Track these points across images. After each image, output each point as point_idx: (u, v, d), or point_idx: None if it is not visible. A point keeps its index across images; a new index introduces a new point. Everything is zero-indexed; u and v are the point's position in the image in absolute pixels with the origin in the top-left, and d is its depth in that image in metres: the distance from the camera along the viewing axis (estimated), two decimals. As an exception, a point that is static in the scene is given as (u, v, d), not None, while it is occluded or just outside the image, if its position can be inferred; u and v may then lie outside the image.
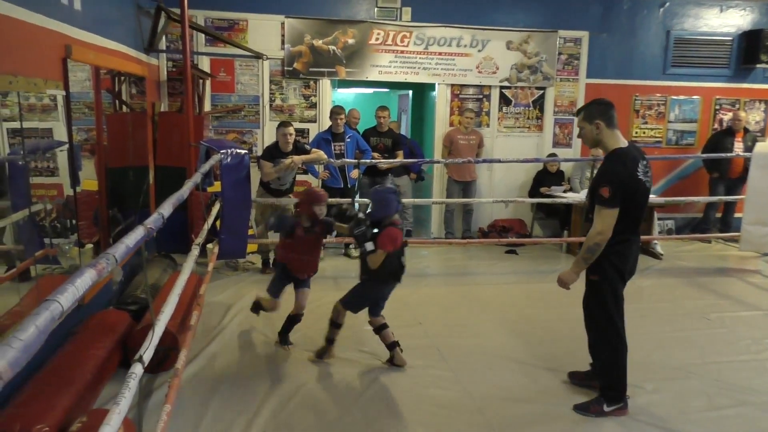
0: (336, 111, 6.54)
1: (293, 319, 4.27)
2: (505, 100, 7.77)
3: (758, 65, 7.97)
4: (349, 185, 6.51)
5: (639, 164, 3.18)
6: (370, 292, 3.93)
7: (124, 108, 5.76)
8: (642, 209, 3.28)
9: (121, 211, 5.23)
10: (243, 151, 5.30)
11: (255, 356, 4.07)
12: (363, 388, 3.64)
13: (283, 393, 3.52)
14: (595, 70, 7.89)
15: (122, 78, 5.58)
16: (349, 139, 6.57)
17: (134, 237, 1.88)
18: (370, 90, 13.01)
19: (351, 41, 7.25)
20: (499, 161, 7.32)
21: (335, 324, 3.97)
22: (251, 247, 6.09)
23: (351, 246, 6.82)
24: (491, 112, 7.76)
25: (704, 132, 8.13)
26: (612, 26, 7.85)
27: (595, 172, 3.60)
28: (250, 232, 5.90)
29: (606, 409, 3.35)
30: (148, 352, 2.18)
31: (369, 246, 3.68)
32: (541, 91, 7.82)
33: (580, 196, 6.90)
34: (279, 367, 3.88)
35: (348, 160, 6.42)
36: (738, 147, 7.46)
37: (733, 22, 8.08)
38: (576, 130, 7.81)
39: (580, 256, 3.27)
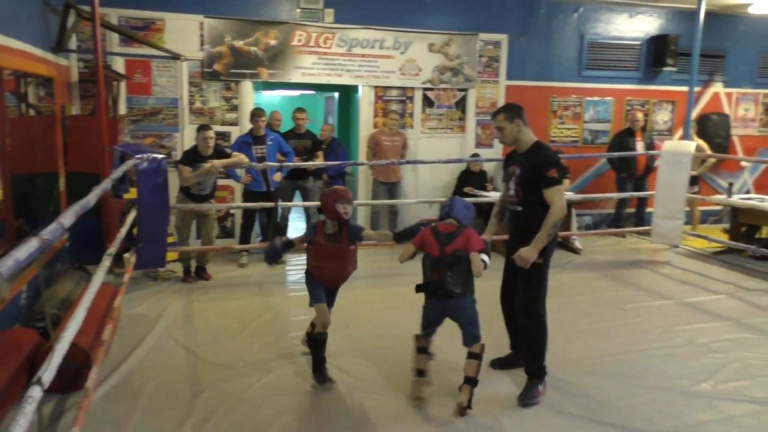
0: (256, 113, 6.41)
1: (318, 342, 3.69)
2: (428, 102, 7.85)
3: (665, 68, 8.41)
4: (271, 189, 6.39)
5: None
6: (425, 308, 3.53)
7: (31, 111, 5.42)
8: None
9: (28, 221, 4.91)
10: (160, 156, 5.10)
11: (175, 371, 3.90)
12: (289, 398, 3.56)
13: (205, 407, 3.39)
14: (515, 72, 8.10)
15: (28, 79, 5.25)
16: (270, 142, 6.45)
17: (26, 249, 1.73)
18: (296, 92, 12.85)
19: (273, 42, 7.12)
20: (423, 162, 7.38)
21: (417, 349, 3.52)
22: (171, 255, 5.87)
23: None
24: (414, 113, 7.82)
25: (617, 131, 8.49)
26: (530, 30, 8.09)
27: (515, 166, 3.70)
28: (169, 239, 5.68)
29: (540, 388, 3.55)
30: (49, 371, 2.03)
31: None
32: (463, 93, 7.95)
33: (499, 195, 7.04)
34: (200, 382, 3.73)
35: (270, 163, 6.30)
36: (639, 146, 7.83)
37: (641, 27, 8.50)
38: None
39: (545, 234, 3.43)
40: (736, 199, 7.29)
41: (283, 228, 6.92)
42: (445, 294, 3.33)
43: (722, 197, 7.64)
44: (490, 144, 8.14)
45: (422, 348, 3.51)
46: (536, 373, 3.56)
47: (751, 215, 7.03)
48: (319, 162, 6.84)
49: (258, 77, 7.19)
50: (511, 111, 3.64)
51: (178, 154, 6.63)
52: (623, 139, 7.97)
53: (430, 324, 3.51)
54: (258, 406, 3.43)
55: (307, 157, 6.91)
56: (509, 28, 7.98)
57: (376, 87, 7.63)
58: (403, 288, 5.81)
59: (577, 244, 7.42)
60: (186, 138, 6.95)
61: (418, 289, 3.42)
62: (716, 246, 7.34)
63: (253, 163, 6.11)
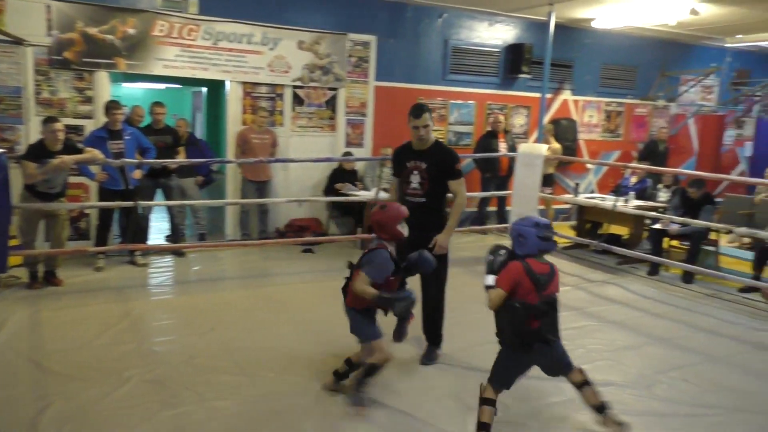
0: (112, 106, 6.00)
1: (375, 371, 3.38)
2: (298, 100, 7.80)
3: (520, 75, 8.99)
4: (130, 187, 6.03)
5: None
6: (507, 359, 3.09)
7: None
8: None
9: None
10: (0, 150, 4.63)
11: (18, 386, 3.56)
12: (147, 408, 3.38)
13: (52, 424, 3.13)
14: (384, 73, 8.27)
15: None
16: (128, 137, 6.07)
17: None
18: (161, 86, 12.23)
19: (132, 31, 6.71)
20: (293, 161, 7.33)
21: (483, 400, 3.06)
22: (15, 259, 5.35)
23: (136, 253, 6.34)
24: (284, 111, 7.74)
25: (479, 134, 8.95)
26: (398, 32, 8.30)
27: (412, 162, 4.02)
28: (12, 242, 5.18)
29: (438, 351, 4.19)
30: None
31: (488, 279, 3.00)
32: (333, 92, 7.99)
33: (371, 194, 7.17)
34: (47, 396, 3.44)
35: (128, 160, 5.94)
36: (502, 147, 8.33)
37: (499, 35, 9.02)
38: (368, 130, 8.20)
39: (454, 222, 3.98)
40: (582, 198, 7.97)
41: (143, 229, 6.56)
42: (545, 343, 2.97)
43: (570, 196, 8.31)
44: (360, 143, 8.25)
45: (492, 400, 3.05)
46: (437, 340, 4.21)
47: (594, 213, 7.71)
48: (180, 159, 6.57)
49: (115, 68, 6.75)
50: (430, 110, 4.02)
51: (22, 149, 6.05)
52: (487, 140, 8.41)
53: (514, 377, 3.11)
54: (113, 419, 3.22)
55: (169, 153, 6.60)
56: (378, 30, 8.13)
57: (244, 83, 7.45)
58: (272, 288, 5.76)
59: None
60: (32, 131, 6.36)
61: (519, 345, 2.97)
62: (565, 241, 7.97)
63: (109, 160, 5.73)
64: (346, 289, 3.49)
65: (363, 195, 7.35)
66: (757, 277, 6.02)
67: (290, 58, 7.59)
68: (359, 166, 8.01)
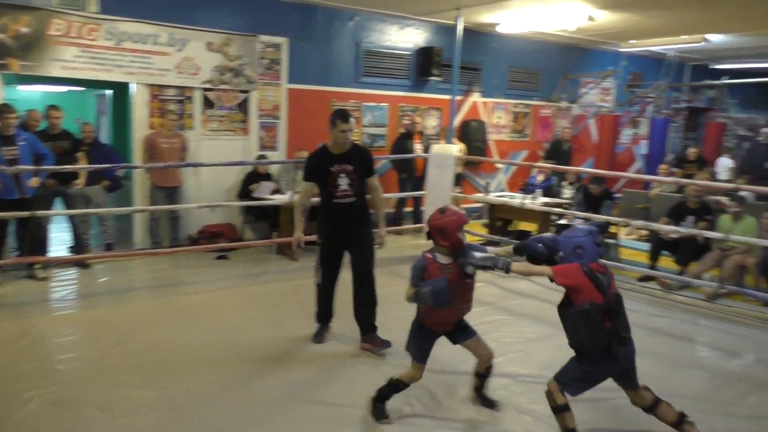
0: (3, 110, 5.60)
1: (483, 375, 3.46)
2: (208, 103, 7.60)
3: (431, 78, 9.19)
4: (26, 195, 5.66)
5: None
6: (584, 369, 2.98)
7: None
8: None
9: None
10: None
11: None
12: (51, 429, 3.19)
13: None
14: (296, 76, 8.21)
15: None
16: (23, 143, 5.68)
17: None
18: (63, 88, 11.56)
19: (25, 30, 6.31)
20: (204, 165, 7.12)
21: (559, 408, 3.00)
22: None
23: (36, 266, 5.96)
24: (194, 114, 7.53)
25: (393, 135, 9.07)
26: (310, 34, 8.27)
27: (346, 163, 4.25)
28: None
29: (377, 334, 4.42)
30: None
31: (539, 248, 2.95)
32: (245, 95, 7.84)
33: (287, 197, 7.10)
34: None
35: (23, 167, 5.57)
36: (418, 148, 8.49)
37: (410, 39, 9.18)
38: (282, 133, 8.11)
39: (384, 213, 4.53)
40: (493, 197, 8.25)
41: (42, 241, 6.17)
42: (621, 343, 2.92)
43: (482, 195, 8.57)
44: (274, 146, 8.15)
45: (568, 405, 3.00)
46: (375, 325, 4.43)
47: (504, 211, 8.00)
48: (81, 165, 6.24)
49: (7, 68, 6.33)
50: None
51: None
52: (403, 142, 8.53)
53: (588, 388, 3.02)
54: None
55: (67, 159, 6.25)
56: (289, 32, 8.06)
57: (150, 85, 7.17)
58: (184, 297, 5.59)
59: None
60: None
61: (601, 349, 2.88)
62: (478, 239, 8.20)
63: (2, 167, 5.36)
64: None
65: (278, 199, 7.26)
66: (653, 267, 6.45)
67: (199, 59, 7.39)
68: (274, 169, 7.91)
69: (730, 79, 12.17)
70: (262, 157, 7.77)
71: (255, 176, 7.60)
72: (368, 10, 8.57)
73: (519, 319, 5.22)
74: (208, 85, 7.52)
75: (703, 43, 9.38)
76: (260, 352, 4.29)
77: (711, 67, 12.80)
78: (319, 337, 4.51)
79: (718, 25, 8.61)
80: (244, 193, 7.49)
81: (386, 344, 4.35)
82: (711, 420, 3.47)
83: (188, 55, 7.31)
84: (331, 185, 4.22)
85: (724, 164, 10.52)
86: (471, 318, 4.98)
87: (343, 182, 4.21)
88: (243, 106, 7.87)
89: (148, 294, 5.75)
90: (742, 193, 6.53)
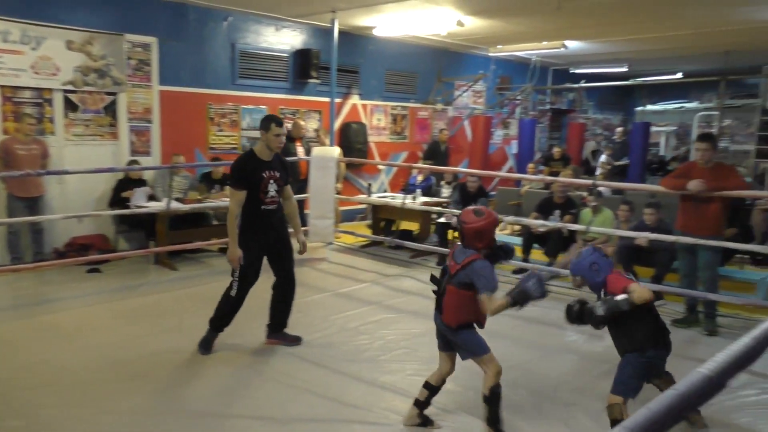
0: None
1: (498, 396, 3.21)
2: (71, 106, 7.08)
3: (310, 80, 9.16)
4: None
5: None
6: (639, 368, 3.09)
7: None
8: None
9: None
10: None
11: None
12: None
13: None
14: (169, 77, 7.86)
15: None
16: None
17: None
18: None
19: None
20: (68, 172, 6.63)
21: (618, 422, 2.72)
22: None
23: None
24: (55, 118, 6.98)
25: (273, 138, 8.92)
26: (181, 34, 7.95)
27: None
28: None
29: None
30: None
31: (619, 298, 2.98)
32: (113, 97, 7.39)
33: (162, 204, 6.79)
34: None
35: None
36: (300, 152, 8.43)
37: (287, 40, 9.10)
38: (156, 137, 7.73)
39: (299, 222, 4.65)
40: (375, 197, 8.38)
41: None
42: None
43: (364, 197, 8.68)
44: (147, 151, 7.75)
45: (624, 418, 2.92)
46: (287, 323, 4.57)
47: (387, 211, 8.16)
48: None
49: None
50: None
51: None
52: (286, 145, 8.39)
53: (643, 384, 3.15)
54: None
55: None
56: (159, 31, 7.70)
57: (2, 86, 6.57)
58: (52, 316, 5.17)
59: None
60: None
61: (659, 341, 3.12)
62: (362, 240, 8.32)
63: None
64: (441, 310, 3.25)
65: (153, 206, 6.92)
66: (526, 260, 6.85)
67: (58, 59, 6.87)
68: (148, 175, 7.52)
69: (588, 82, 13.22)
70: (133, 162, 7.36)
71: (127, 183, 7.19)
72: (242, 10, 8.38)
73: (404, 317, 5.34)
74: (69, 87, 7.01)
75: (562, 49, 10.10)
76: (141, 369, 4.06)
77: (571, 71, 13.83)
78: (208, 347, 4.37)
79: (574, 32, 9.33)
80: (116, 201, 7.06)
81: (298, 340, 4.55)
82: (575, 398, 3.75)
83: (45, 54, 6.77)
84: (263, 192, 4.19)
85: (604, 159, 11.43)
86: (356, 318, 5.06)
87: (272, 189, 4.23)
88: (111, 109, 7.41)
89: (9, 315, 5.24)
90: (599, 188, 7.11)
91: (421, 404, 3.36)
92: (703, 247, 4.97)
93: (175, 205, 6.79)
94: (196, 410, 3.53)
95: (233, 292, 4.29)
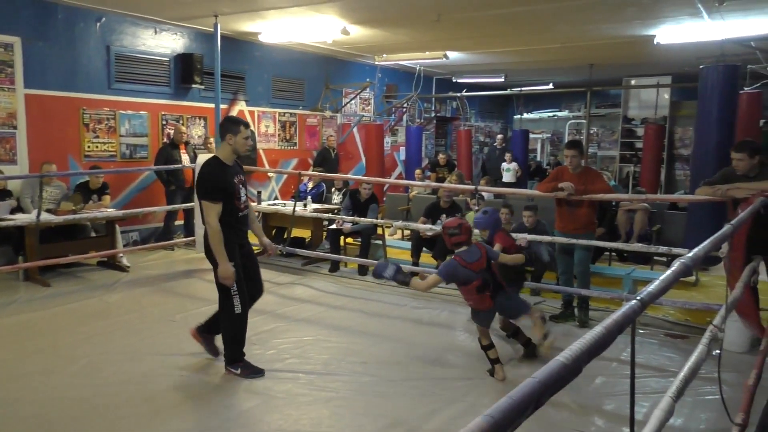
0: None
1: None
2: None
3: (193, 85, 8.88)
4: None
5: None
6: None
7: None
8: None
9: None
10: None
11: None
12: None
13: None
14: (35, 80, 7.32)
15: None
16: None
17: None
18: None
19: None
20: None
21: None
22: None
23: None
24: None
25: (155, 145, 8.56)
26: (49, 34, 7.42)
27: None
28: None
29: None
30: None
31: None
32: (-30, 101, 6.78)
33: (31, 216, 6.30)
34: None
35: None
36: (185, 158, 8.15)
37: (167, 44, 8.76)
38: (22, 144, 7.17)
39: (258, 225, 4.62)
40: (265, 205, 8.27)
41: None
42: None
43: (254, 204, 8.53)
44: (13, 160, 7.16)
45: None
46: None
47: (278, 218, 8.08)
48: None
49: None
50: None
51: None
52: (168, 152, 8.08)
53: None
54: None
55: None
56: (22, 31, 7.14)
57: None
58: None
59: (125, 261, 7.22)
60: None
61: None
62: (256, 248, 8.15)
63: None
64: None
65: (21, 218, 6.41)
66: (416, 263, 7.03)
67: None
68: (14, 186, 6.95)
69: (469, 91, 13.82)
70: (-4, 172, 6.78)
71: (-12, 195, 6.61)
72: (116, 11, 7.96)
73: (296, 325, 5.31)
74: None
75: (444, 59, 10.50)
76: (9, 395, 3.74)
77: (454, 80, 14.40)
78: (253, 372, 4.09)
79: (454, 43, 9.74)
80: (-24, 214, 6.46)
81: (216, 352, 4.36)
82: (469, 391, 3.92)
83: None
84: (237, 198, 4.00)
85: (512, 167, 11.92)
86: (248, 328, 4.96)
87: (243, 194, 4.07)
88: (-32, 115, 6.79)
89: None
90: (482, 193, 7.46)
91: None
92: (578, 246, 5.37)
93: (46, 217, 6.33)
94: (73, 436, 3.31)
95: (237, 309, 3.99)
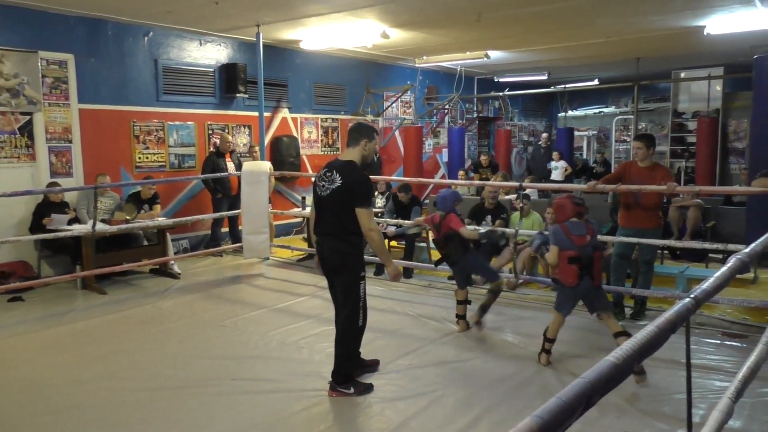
0: None
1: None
2: (-17, 128, 6.73)
3: (238, 95, 9.06)
4: None
5: (321, 172, 3.92)
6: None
7: None
8: (318, 211, 3.96)
9: None
10: None
11: None
12: None
13: None
14: (88, 95, 7.60)
15: None
16: None
17: None
18: None
19: None
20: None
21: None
22: None
23: None
24: (-33, 141, 6.62)
25: (202, 154, 8.77)
26: (99, 51, 7.70)
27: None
28: None
29: None
30: None
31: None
32: (28, 117, 7.07)
33: (87, 227, 6.54)
34: None
35: None
36: (230, 167, 8.31)
37: (212, 55, 8.97)
38: (77, 157, 7.43)
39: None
40: (309, 210, 8.33)
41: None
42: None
43: (299, 210, 8.65)
44: (69, 173, 7.44)
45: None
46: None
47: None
48: None
49: None
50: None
51: None
52: (214, 161, 8.25)
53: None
54: None
55: None
56: (75, 48, 7.43)
57: None
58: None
59: (176, 268, 7.41)
60: None
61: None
62: (299, 254, 8.26)
63: None
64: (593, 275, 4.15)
65: (77, 228, 6.65)
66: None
67: (-33, 79, 6.52)
68: (71, 197, 7.23)
69: (511, 90, 13.66)
70: (54, 184, 7.04)
71: (48, 206, 6.89)
72: (163, 25, 8.20)
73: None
74: (-19, 108, 6.66)
75: (485, 59, 10.40)
76: (75, 399, 3.89)
77: (495, 80, 14.26)
78: (365, 390, 3.94)
79: (495, 42, 9.64)
80: (37, 225, 6.75)
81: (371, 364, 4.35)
82: (515, 393, 3.88)
83: (-47, 75, 6.43)
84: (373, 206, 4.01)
85: (561, 165, 11.80)
86: (295, 333, 5.03)
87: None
88: (27, 130, 7.08)
89: None
90: (527, 191, 7.36)
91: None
92: (643, 245, 5.27)
93: (101, 227, 6.56)
94: (130, 438, 3.41)
95: (361, 321, 3.87)
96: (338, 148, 11.21)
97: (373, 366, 4.32)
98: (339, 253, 3.84)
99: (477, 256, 5.15)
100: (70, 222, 6.86)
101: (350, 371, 3.94)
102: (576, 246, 4.06)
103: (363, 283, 3.88)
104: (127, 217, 6.99)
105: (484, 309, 5.09)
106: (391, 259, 4.01)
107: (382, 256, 3.95)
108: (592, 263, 4.09)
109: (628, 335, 3.83)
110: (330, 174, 3.84)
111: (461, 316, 5.19)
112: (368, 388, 3.97)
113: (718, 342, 4.82)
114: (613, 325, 4.14)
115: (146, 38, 8.17)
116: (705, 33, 8.36)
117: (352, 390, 3.88)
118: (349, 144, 3.96)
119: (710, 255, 7.03)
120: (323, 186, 3.86)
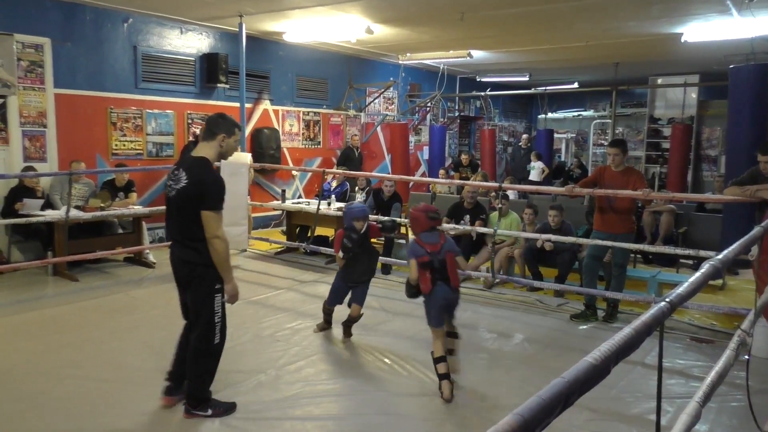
0: None
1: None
2: (-46, 109, 6.57)
3: (218, 85, 8.97)
4: None
5: (171, 170, 3.50)
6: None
7: None
8: (167, 214, 3.51)
9: None
10: None
11: None
12: None
13: None
14: (64, 80, 7.46)
15: None
16: None
17: None
18: None
19: None
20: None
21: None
22: None
23: None
24: (-64, 122, 6.46)
25: (181, 144, 8.67)
26: (76, 36, 7.55)
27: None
28: None
29: None
30: None
31: None
32: (2, 100, 6.92)
33: (61, 213, 6.43)
34: None
35: None
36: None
37: (193, 44, 8.86)
38: (51, 142, 7.29)
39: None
40: (289, 203, 8.32)
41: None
42: None
43: (278, 203, 8.60)
44: (43, 158, 7.30)
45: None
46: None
47: (301, 217, 8.12)
48: None
49: None
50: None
51: None
52: (192, 150, 8.13)
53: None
54: None
55: None
56: (51, 32, 7.28)
57: None
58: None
59: (151, 257, 7.32)
60: None
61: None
62: (277, 246, 8.23)
63: None
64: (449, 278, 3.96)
65: (51, 214, 6.53)
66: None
67: (-61, 59, 6.36)
68: (43, 182, 7.09)
69: (493, 90, 13.74)
70: (29, 169, 6.91)
71: (22, 191, 6.75)
72: (143, 12, 8.08)
73: (317, 322, 5.33)
74: (-50, 89, 6.50)
75: (468, 58, 10.46)
76: (38, 387, 3.82)
77: (478, 79, 14.33)
78: (225, 411, 3.53)
79: (478, 42, 9.69)
80: (9, 210, 6.61)
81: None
82: (491, 393, 3.91)
83: (-76, 54, 6.26)
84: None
85: (538, 165, 11.92)
86: (271, 326, 5.02)
87: None
88: (0, 113, 6.93)
89: None
90: (507, 192, 7.41)
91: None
92: (617, 248, 5.34)
93: (75, 214, 6.45)
94: (104, 427, 3.37)
95: (217, 339, 3.43)
96: (320, 142, 11.18)
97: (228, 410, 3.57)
98: (187, 263, 3.39)
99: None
100: (42, 207, 6.73)
101: (207, 392, 3.51)
102: (428, 252, 3.94)
103: (219, 296, 3.39)
104: (102, 205, 6.89)
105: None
106: (232, 276, 3.41)
107: (224, 270, 3.34)
108: (444, 266, 3.92)
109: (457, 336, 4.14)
110: (177, 172, 3.39)
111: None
112: (230, 408, 3.54)
113: (686, 346, 4.92)
114: (450, 326, 4.10)
115: (125, 24, 8.04)
116: (682, 40, 8.51)
117: (209, 412, 3.46)
118: (205, 138, 3.50)
119: (681, 260, 7.16)
120: (170, 186, 3.41)
